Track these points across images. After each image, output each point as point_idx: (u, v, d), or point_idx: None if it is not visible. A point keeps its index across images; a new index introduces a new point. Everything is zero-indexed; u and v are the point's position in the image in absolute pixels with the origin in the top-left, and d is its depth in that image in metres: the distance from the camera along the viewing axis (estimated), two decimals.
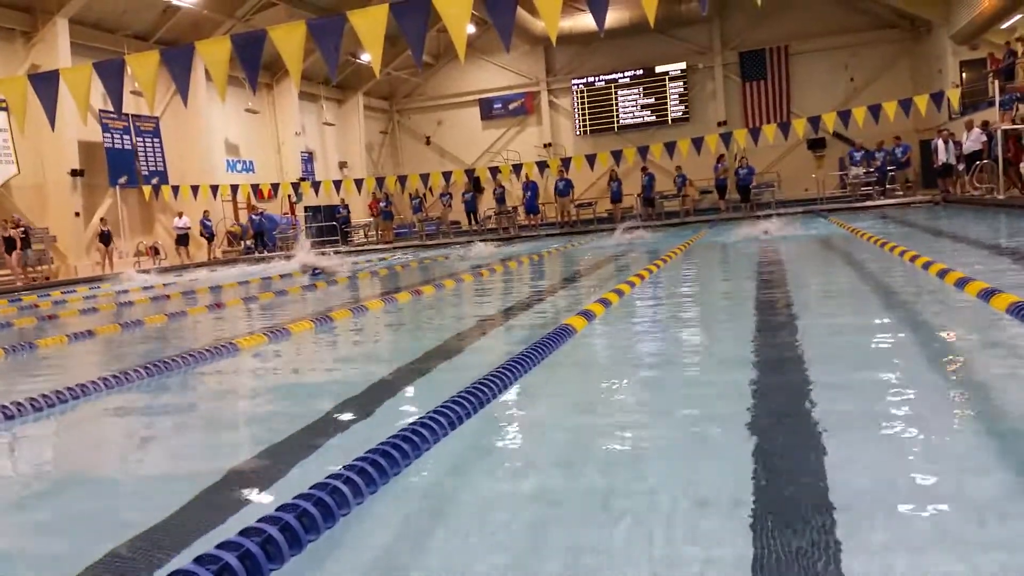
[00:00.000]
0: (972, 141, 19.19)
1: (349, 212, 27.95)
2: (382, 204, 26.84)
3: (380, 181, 27.54)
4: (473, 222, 25.68)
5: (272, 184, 25.37)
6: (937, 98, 20.72)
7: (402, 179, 26.15)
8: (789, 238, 12.54)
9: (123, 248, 22.79)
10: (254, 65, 8.25)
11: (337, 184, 26.24)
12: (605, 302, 6.19)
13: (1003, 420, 2.92)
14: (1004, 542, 1.96)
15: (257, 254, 24.70)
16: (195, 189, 23.24)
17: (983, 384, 3.48)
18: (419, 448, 2.36)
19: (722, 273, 9.72)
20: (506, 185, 25.32)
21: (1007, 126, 17.23)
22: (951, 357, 4.08)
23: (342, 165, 31.54)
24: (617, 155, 23.39)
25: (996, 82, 18.17)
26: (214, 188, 23.66)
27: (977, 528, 2.05)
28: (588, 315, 5.46)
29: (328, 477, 2.08)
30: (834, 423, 2.93)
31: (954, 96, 21.93)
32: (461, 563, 2.11)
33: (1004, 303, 4.34)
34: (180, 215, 23.77)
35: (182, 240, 23.79)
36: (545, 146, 32.88)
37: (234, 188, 24.58)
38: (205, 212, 24.18)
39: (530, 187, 24.55)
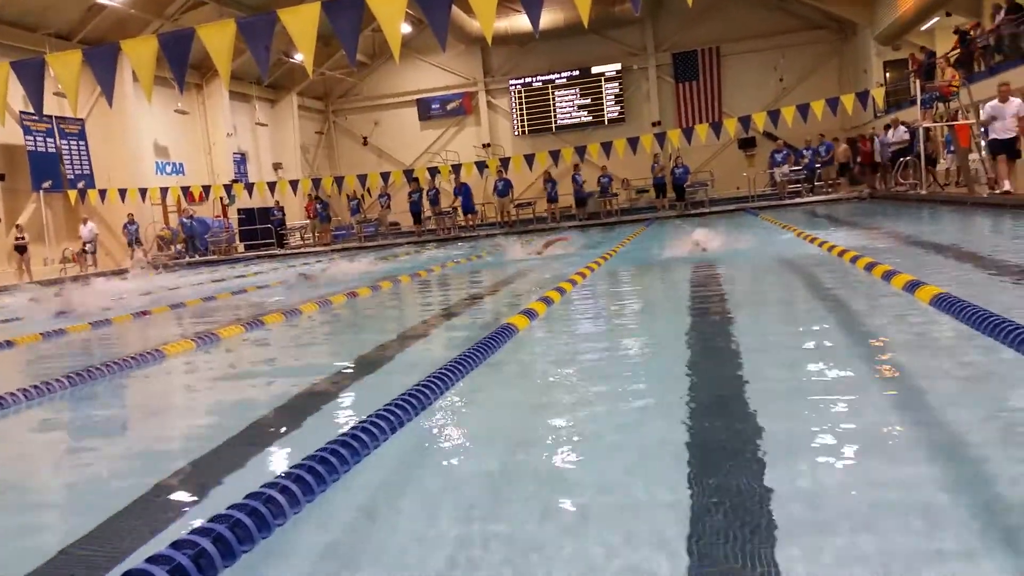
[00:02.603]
0: (895, 138, 19.91)
1: (284, 214, 27.47)
2: (319, 206, 26.47)
3: (316, 182, 27.13)
4: (419, 223, 25.57)
5: (203, 186, 24.76)
6: (863, 97, 21.41)
7: (339, 180, 25.81)
8: (729, 258, 9.25)
9: (48, 255, 21.95)
10: (182, 65, 8.03)
11: (271, 186, 25.77)
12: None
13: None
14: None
15: (188, 258, 24.11)
16: (123, 192, 22.54)
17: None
18: (358, 454, 2.33)
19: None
20: (440, 186, 25.27)
21: (928, 124, 17.92)
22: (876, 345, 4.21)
23: (276, 166, 30.98)
24: (555, 155, 23.55)
25: (917, 82, 18.89)
26: (143, 191, 22.99)
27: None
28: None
29: (263, 486, 2.04)
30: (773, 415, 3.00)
31: (879, 95, 22.69)
32: (404, 565, 2.10)
33: (928, 295, 4.50)
34: (85, 221, 22.56)
35: (89, 248, 22.48)
36: (484, 146, 32.89)
37: (164, 191, 23.92)
38: (130, 216, 23.44)
39: (463, 188, 24.56)
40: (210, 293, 11.32)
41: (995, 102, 13.39)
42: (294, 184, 25.87)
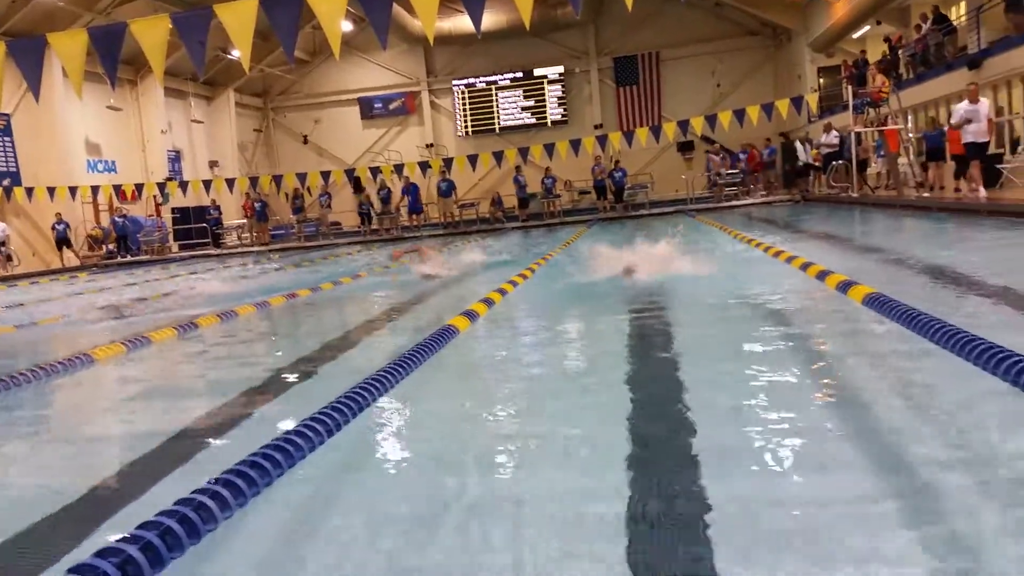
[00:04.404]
0: (827, 142, 20.49)
1: (220, 213, 26.87)
2: (256, 205, 25.98)
3: (254, 181, 26.61)
4: (366, 223, 25.37)
5: (136, 184, 24.06)
6: (797, 102, 21.95)
7: (277, 179, 25.36)
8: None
9: None
10: (113, 60, 7.78)
11: (207, 184, 25.19)
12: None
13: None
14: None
15: (120, 258, 23.42)
16: (52, 191, 21.76)
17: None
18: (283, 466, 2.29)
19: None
20: (391, 186, 25.09)
21: (860, 129, 18.48)
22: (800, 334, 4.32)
23: (213, 164, 30.26)
24: (498, 156, 23.58)
25: (849, 87, 19.46)
26: (72, 189, 22.23)
27: None
28: None
29: (194, 492, 1.99)
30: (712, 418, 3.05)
31: (812, 100, 23.29)
32: (343, 568, 2.08)
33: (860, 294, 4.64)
34: None
35: (3, 251, 21.41)
36: (427, 146, 32.73)
37: (95, 189, 23.17)
38: (57, 215, 22.64)
39: (411, 188, 24.45)
40: None
41: (966, 104, 12.90)
42: (230, 182, 25.34)
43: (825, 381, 3.56)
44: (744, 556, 1.94)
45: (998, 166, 14.89)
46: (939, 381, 3.36)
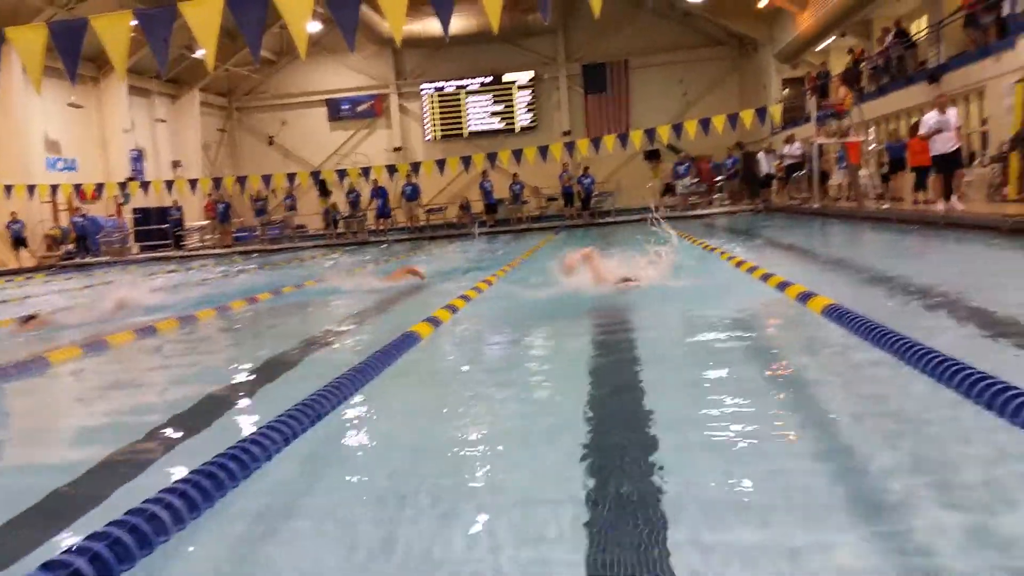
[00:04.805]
0: (790, 153, 20.79)
1: (183, 214, 26.46)
2: (219, 206, 25.64)
3: (217, 181, 26.26)
4: (332, 227, 25.21)
5: (97, 184, 23.61)
6: (761, 113, 22.23)
7: (241, 180, 25.05)
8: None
9: None
10: (74, 56, 7.62)
11: (169, 184, 24.79)
12: None
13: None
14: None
15: (79, 259, 22.95)
16: (8, 189, 21.26)
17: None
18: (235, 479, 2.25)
19: None
20: (359, 189, 24.96)
21: (823, 140, 18.77)
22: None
23: (176, 164, 29.79)
24: (466, 161, 23.56)
25: (813, 99, 19.78)
26: (31, 188, 21.74)
27: None
28: None
29: (145, 501, 1.94)
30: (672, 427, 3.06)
31: (776, 112, 23.58)
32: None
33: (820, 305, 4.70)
34: None
35: None
36: (395, 150, 32.58)
37: (54, 188, 22.69)
38: (12, 214, 22.12)
39: (380, 192, 24.33)
40: None
41: (936, 114, 12.75)
42: (193, 183, 24.98)
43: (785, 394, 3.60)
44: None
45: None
46: (868, 374, 3.42)
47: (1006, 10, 13.87)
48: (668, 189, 25.05)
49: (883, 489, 2.36)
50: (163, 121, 29.66)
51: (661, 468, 2.57)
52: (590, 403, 3.52)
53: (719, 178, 24.74)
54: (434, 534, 2.26)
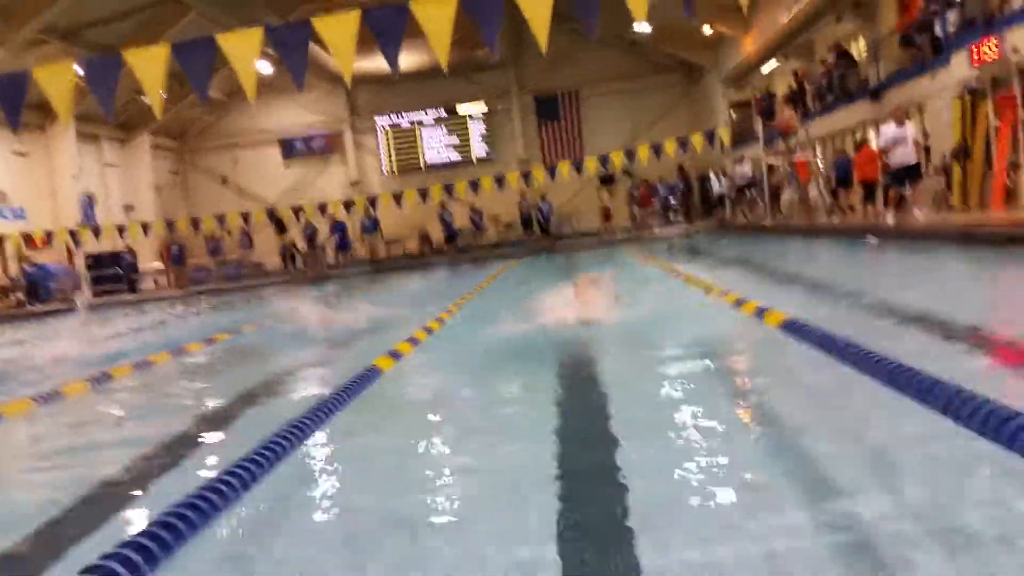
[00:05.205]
0: (740, 173, 21.22)
1: (136, 258, 26.03)
2: (174, 248, 25.29)
3: (171, 224, 25.91)
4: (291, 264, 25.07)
5: (46, 231, 23.14)
6: (710, 136, 22.67)
7: (195, 221, 24.73)
8: None
9: None
10: (15, 107, 7.50)
11: (121, 229, 24.41)
12: None
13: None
14: None
15: (31, 307, 22.40)
16: None
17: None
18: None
19: None
20: (316, 225, 24.85)
21: (771, 160, 19.22)
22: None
23: (128, 208, 29.33)
24: (424, 193, 23.62)
25: (760, 121, 20.26)
26: None
27: None
28: None
29: (103, 557, 1.91)
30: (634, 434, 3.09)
31: (725, 134, 24.04)
32: None
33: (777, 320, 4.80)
34: None
35: None
36: (352, 184, 32.48)
37: (1, 238, 22.18)
38: None
39: (339, 226, 24.29)
40: None
41: (892, 127, 12.91)
42: (146, 227, 24.63)
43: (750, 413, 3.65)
44: None
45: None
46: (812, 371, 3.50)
47: (939, 30, 14.37)
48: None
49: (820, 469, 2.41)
50: (113, 166, 29.24)
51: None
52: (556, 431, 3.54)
53: (656, 199, 25.18)
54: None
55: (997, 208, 11.78)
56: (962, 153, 13.30)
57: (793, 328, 4.50)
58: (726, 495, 2.58)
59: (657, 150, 21.38)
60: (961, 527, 2.16)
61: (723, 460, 2.94)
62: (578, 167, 23.03)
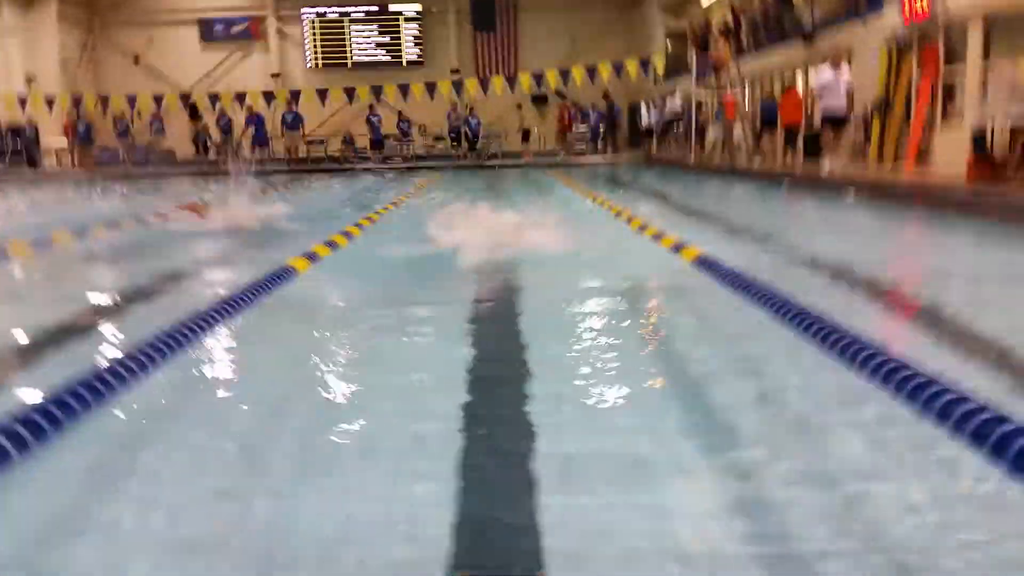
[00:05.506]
0: (670, 107, 21.25)
1: (38, 133, 24.47)
2: (80, 126, 23.86)
3: (77, 100, 24.34)
4: (203, 153, 23.85)
5: None
6: (645, 64, 22.54)
7: (104, 100, 23.31)
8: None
9: None
10: None
11: (24, 102, 22.81)
12: None
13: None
14: None
15: None
16: None
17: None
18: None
19: None
20: (231, 115, 23.70)
21: (701, 96, 19.26)
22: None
23: (30, 80, 27.33)
24: (350, 93, 22.80)
25: (694, 51, 20.13)
26: None
27: None
28: None
29: None
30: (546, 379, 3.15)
31: (659, 61, 23.84)
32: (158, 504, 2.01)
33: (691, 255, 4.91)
34: None
35: None
36: (273, 76, 31.04)
37: None
38: None
39: (256, 119, 23.22)
40: None
41: (828, 70, 12.64)
42: (51, 101, 23.08)
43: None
44: None
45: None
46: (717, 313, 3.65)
47: None
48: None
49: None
50: (13, 31, 27.00)
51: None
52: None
53: (586, 125, 24.82)
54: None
55: (910, 166, 12.07)
56: (884, 105, 13.56)
57: (705, 264, 4.61)
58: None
59: (592, 73, 21.17)
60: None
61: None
62: (511, 81, 22.64)
